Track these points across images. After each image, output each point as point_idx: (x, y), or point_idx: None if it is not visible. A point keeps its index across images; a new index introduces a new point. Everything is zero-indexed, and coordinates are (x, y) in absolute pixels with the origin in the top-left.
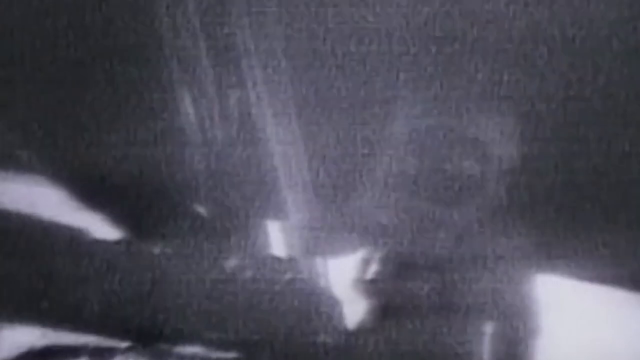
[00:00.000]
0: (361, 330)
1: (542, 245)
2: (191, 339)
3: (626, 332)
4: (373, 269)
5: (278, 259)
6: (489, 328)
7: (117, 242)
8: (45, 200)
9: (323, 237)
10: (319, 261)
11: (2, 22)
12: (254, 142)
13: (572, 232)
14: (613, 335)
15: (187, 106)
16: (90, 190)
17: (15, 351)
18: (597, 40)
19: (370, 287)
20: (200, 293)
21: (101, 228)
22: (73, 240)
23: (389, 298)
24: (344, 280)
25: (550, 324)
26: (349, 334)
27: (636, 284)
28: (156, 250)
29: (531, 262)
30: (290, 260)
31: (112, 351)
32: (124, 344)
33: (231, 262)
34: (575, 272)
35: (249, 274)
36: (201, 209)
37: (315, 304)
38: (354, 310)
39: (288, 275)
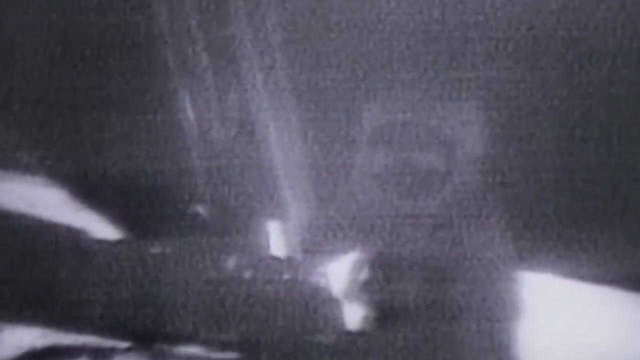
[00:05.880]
0: (361, 331)
1: (522, 242)
2: (191, 339)
3: (609, 330)
4: (365, 269)
5: (278, 259)
6: (476, 325)
7: (117, 242)
8: (45, 200)
9: (323, 237)
10: (318, 261)
11: (2, 22)
12: (254, 142)
13: (554, 227)
14: (601, 334)
15: (187, 106)
16: (90, 190)
17: (16, 351)
18: (571, 37)
19: (364, 287)
20: (200, 293)
21: (101, 228)
22: (73, 240)
23: (382, 298)
24: (343, 280)
25: (536, 321)
26: (348, 334)
27: (617, 279)
28: (156, 250)
29: (513, 259)
30: (290, 260)
31: (112, 351)
32: (124, 344)
33: (231, 262)
34: (558, 269)
35: (249, 274)
36: (201, 209)
37: (315, 304)
38: (354, 310)
39: (288, 275)
